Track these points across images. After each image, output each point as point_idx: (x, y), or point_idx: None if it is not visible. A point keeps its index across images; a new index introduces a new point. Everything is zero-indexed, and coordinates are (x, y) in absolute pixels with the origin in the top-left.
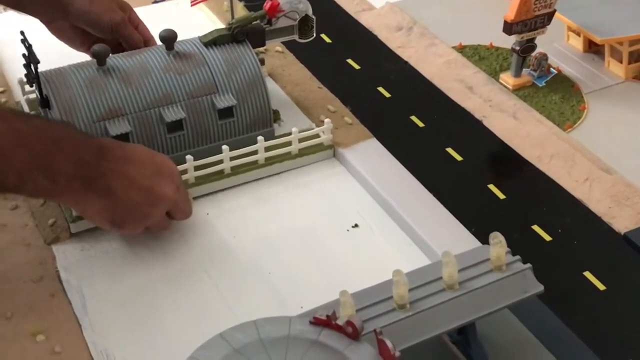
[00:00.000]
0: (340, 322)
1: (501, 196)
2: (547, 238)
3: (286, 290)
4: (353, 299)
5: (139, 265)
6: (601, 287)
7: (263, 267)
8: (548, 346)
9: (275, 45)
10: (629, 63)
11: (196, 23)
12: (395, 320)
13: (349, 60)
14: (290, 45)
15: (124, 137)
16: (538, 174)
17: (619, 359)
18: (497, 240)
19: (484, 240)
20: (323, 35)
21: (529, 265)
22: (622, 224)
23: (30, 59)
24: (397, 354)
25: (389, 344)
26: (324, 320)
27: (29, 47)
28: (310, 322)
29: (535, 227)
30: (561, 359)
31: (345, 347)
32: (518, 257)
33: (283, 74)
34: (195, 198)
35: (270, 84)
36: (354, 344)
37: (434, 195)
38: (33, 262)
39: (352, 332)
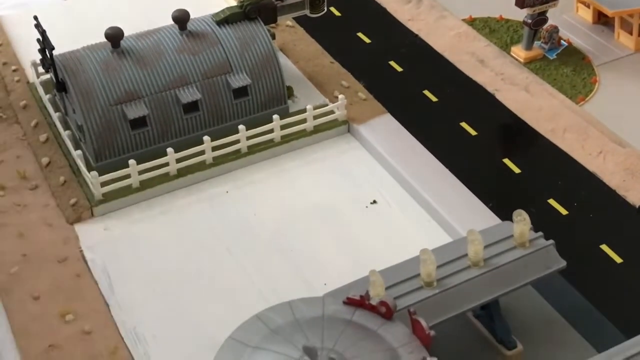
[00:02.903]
0: (372, 302)
1: (516, 170)
2: (564, 212)
3: (309, 267)
4: (381, 276)
5: (162, 245)
6: (618, 259)
7: (285, 245)
8: (568, 319)
9: (285, 20)
10: (639, 35)
11: None
12: (424, 298)
13: (360, 34)
14: (300, 20)
15: (141, 120)
16: (552, 148)
17: (639, 330)
18: (521, 218)
19: (502, 215)
20: (332, 9)
21: (551, 241)
22: (636, 196)
23: (45, 44)
24: (432, 333)
25: (423, 323)
26: (358, 301)
27: (42, 33)
28: (344, 303)
29: (552, 201)
30: (581, 331)
31: (379, 327)
32: (540, 233)
33: (294, 49)
34: (214, 177)
35: (282, 59)
36: (388, 324)
37: (450, 170)
38: (57, 242)
39: (386, 312)
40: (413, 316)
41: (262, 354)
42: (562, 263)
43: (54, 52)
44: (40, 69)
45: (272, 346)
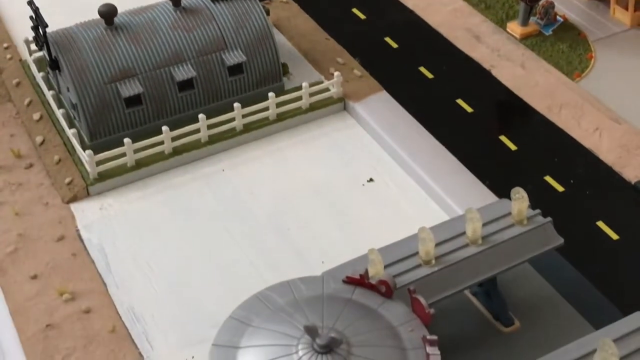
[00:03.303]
0: (372, 280)
1: (513, 147)
2: (560, 189)
3: (306, 245)
4: (380, 255)
5: (159, 224)
6: (614, 236)
7: (282, 223)
8: (565, 296)
9: None
10: (635, 10)
11: None
12: (423, 276)
13: (354, 10)
14: None
15: (135, 98)
16: (548, 125)
17: (636, 307)
18: (520, 196)
19: (498, 192)
20: None
21: (549, 219)
22: (632, 173)
23: (38, 22)
24: (432, 311)
25: (423, 301)
26: (358, 280)
27: (36, 10)
28: (344, 281)
29: (548, 178)
30: (578, 308)
31: (379, 306)
32: (538, 210)
33: (289, 25)
34: (209, 155)
35: (277, 36)
36: (387, 302)
37: (447, 147)
38: (53, 221)
39: (386, 291)
40: (413, 295)
41: (263, 333)
42: (560, 240)
43: (47, 30)
44: (33, 47)
45: (272, 325)
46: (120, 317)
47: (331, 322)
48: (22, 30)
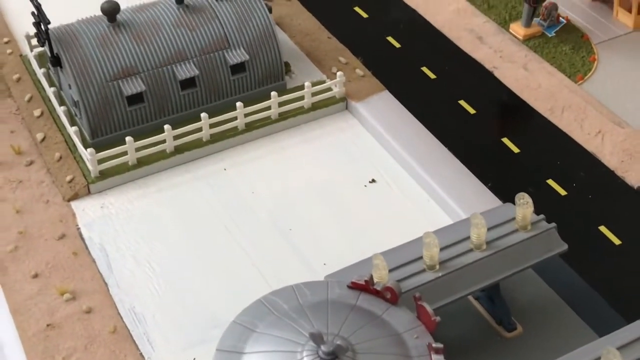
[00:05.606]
0: (377, 286)
1: (515, 150)
2: (562, 192)
3: (308, 247)
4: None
5: (160, 223)
6: (617, 241)
7: (283, 224)
8: (568, 302)
9: None
10: (638, 13)
11: None
12: (427, 281)
13: (357, 8)
14: None
15: (138, 97)
16: (550, 127)
17: (638, 313)
18: (524, 201)
19: (501, 195)
20: None
21: (553, 224)
22: (635, 177)
23: (41, 18)
24: (437, 319)
25: (429, 309)
26: (362, 285)
27: (38, 7)
28: (348, 287)
29: (550, 182)
30: (581, 314)
31: (383, 312)
32: (542, 216)
33: (292, 24)
34: (211, 154)
35: (279, 34)
36: (392, 309)
37: (449, 149)
38: (53, 220)
39: (391, 297)
40: (418, 302)
41: (267, 339)
42: (564, 246)
43: (49, 26)
44: (34, 42)
45: (277, 331)
46: (122, 318)
47: (336, 329)
48: (23, 24)
